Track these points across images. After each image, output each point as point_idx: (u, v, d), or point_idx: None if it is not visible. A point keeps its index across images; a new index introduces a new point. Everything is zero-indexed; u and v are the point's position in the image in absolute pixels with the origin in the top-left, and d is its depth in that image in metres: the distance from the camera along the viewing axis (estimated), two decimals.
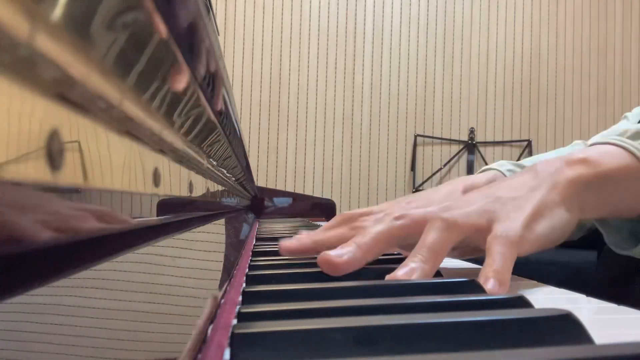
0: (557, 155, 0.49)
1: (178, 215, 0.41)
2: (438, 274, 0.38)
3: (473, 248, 0.48)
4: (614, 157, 0.44)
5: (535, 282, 0.42)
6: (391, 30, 3.00)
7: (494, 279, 0.36)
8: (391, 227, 0.42)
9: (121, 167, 0.23)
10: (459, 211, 0.41)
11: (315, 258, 0.38)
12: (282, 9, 2.92)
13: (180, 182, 0.40)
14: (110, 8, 0.19)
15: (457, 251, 0.51)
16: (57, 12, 0.15)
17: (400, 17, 3.01)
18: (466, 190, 0.54)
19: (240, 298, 0.31)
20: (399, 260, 0.43)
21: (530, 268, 0.67)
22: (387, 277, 0.37)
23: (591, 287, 0.84)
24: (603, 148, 0.45)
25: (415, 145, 2.98)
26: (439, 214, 0.41)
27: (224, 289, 0.33)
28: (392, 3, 3.00)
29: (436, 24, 3.03)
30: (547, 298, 0.36)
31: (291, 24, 2.93)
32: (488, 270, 0.37)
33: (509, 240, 0.38)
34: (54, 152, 0.15)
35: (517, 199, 0.42)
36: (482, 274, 0.36)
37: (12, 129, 0.13)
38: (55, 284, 0.16)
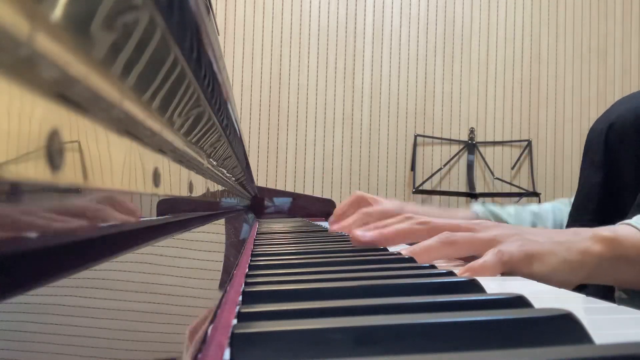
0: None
1: (178, 215, 0.41)
2: (433, 267, 0.38)
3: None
4: (637, 240, 0.50)
5: (537, 282, 0.42)
6: (391, 30, 3.00)
7: (469, 271, 0.45)
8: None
9: (121, 167, 0.23)
10: (466, 234, 0.50)
11: (316, 257, 0.39)
12: (282, 9, 2.92)
13: (180, 182, 0.40)
14: (110, 8, 0.19)
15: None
16: (57, 12, 0.15)
17: (400, 17, 3.01)
18: None
19: (240, 298, 0.31)
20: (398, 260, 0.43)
21: None
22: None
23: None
24: (630, 230, 0.51)
25: (415, 145, 2.98)
26: (447, 233, 0.50)
27: (224, 289, 0.33)
28: (392, 3, 3.00)
29: (436, 24, 3.03)
30: (547, 298, 0.36)
31: (291, 24, 2.93)
32: (470, 265, 0.45)
33: (502, 259, 0.46)
34: (54, 152, 0.15)
35: (532, 240, 0.49)
36: (465, 267, 0.45)
37: (12, 129, 0.13)
38: (55, 284, 0.16)
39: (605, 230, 0.51)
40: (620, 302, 0.59)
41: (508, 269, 0.47)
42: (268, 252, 0.56)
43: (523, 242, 0.48)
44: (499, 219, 0.86)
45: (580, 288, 0.71)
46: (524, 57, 3.09)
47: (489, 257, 0.46)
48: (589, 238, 0.50)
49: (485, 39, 3.07)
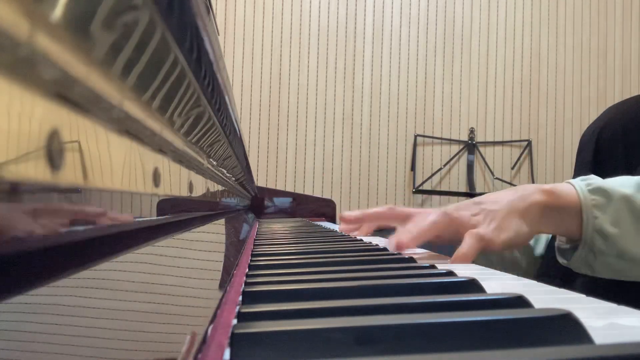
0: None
1: (178, 215, 0.41)
2: (433, 267, 0.38)
3: (452, 238, 0.65)
4: (572, 194, 0.60)
5: (534, 281, 0.42)
6: (391, 30, 3.00)
7: (457, 257, 0.54)
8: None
9: (121, 167, 0.23)
10: (458, 212, 0.60)
11: (316, 257, 0.39)
12: (282, 9, 2.92)
13: (180, 182, 0.40)
14: (110, 8, 0.19)
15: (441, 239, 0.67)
16: (57, 12, 0.15)
17: (400, 17, 3.01)
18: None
19: (240, 298, 0.31)
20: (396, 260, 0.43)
21: None
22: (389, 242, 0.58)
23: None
24: (568, 186, 0.61)
25: (415, 145, 2.98)
26: (433, 214, 0.60)
27: (224, 289, 0.33)
28: (392, 3, 3.00)
29: (436, 24, 3.03)
30: (546, 297, 0.36)
31: (291, 24, 2.93)
32: (457, 251, 0.55)
33: (479, 236, 0.56)
34: (54, 152, 0.15)
35: (494, 211, 0.59)
36: (454, 255, 0.54)
37: (12, 129, 0.13)
38: (55, 284, 0.16)
39: (546, 185, 0.61)
40: (560, 251, 0.65)
41: (485, 245, 0.56)
42: (268, 252, 0.56)
43: (490, 220, 0.58)
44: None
45: (570, 284, 0.73)
46: (524, 57, 3.09)
47: (466, 240, 0.55)
48: (534, 191, 0.60)
49: (485, 39, 3.07)
